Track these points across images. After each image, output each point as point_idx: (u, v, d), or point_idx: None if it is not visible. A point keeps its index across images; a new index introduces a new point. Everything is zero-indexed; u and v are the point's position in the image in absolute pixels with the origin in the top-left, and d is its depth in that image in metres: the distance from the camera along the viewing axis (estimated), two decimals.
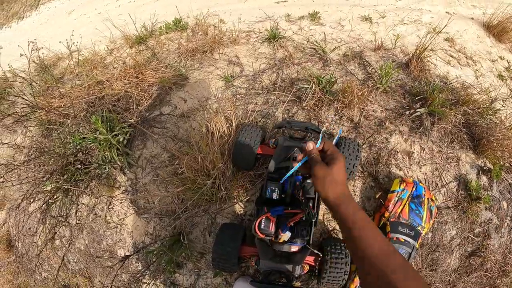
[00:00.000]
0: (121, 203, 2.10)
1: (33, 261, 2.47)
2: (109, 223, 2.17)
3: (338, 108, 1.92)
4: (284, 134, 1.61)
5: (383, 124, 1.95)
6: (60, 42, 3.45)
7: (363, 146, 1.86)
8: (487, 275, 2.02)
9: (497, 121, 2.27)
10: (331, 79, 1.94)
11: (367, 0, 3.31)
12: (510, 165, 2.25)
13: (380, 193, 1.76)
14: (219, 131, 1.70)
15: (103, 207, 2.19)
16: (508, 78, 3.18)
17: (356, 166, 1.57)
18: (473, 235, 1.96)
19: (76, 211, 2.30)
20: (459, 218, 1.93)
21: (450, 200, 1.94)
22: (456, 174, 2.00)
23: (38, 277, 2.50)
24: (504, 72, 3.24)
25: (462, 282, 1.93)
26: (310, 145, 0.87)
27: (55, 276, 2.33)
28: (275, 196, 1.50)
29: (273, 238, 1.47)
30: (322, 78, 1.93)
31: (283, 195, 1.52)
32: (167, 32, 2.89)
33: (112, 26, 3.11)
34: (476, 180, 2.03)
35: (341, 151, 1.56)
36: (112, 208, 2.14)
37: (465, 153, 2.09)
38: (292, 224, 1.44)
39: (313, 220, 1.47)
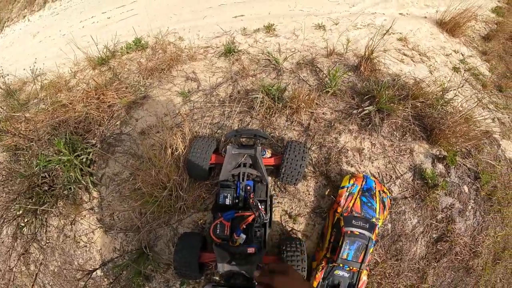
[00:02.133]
0: (88, 221, 2.13)
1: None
2: (78, 242, 2.20)
3: (288, 114, 2.04)
4: (232, 143, 1.70)
5: (332, 125, 2.07)
6: (24, 69, 3.48)
7: (312, 148, 1.97)
8: (458, 258, 2.14)
9: (450, 110, 2.42)
10: (280, 88, 2.06)
11: (321, 8, 3.47)
12: (467, 149, 2.39)
13: (328, 190, 1.87)
14: (173, 146, 1.78)
15: (71, 227, 2.22)
16: (463, 69, 3.39)
17: (303, 167, 1.68)
18: (436, 222, 2.08)
19: (46, 231, 2.32)
20: (418, 207, 2.05)
21: (406, 190, 2.07)
22: (411, 165, 2.13)
23: None
24: (459, 64, 3.46)
25: (433, 268, 2.04)
26: (256, 274, 0.84)
27: None
28: (228, 201, 1.60)
29: (230, 243, 1.56)
30: (272, 87, 2.05)
31: (236, 200, 1.62)
32: (128, 52, 2.97)
33: (76, 48, 3.16)
34: (431, 168, 2.16)
35: (287, 154, 1.67)
36: (80, 226, 2.17)
37: (418, 144, 2.22)
38: (245, 227, 1.54)
39: (266, 222, 1.57)
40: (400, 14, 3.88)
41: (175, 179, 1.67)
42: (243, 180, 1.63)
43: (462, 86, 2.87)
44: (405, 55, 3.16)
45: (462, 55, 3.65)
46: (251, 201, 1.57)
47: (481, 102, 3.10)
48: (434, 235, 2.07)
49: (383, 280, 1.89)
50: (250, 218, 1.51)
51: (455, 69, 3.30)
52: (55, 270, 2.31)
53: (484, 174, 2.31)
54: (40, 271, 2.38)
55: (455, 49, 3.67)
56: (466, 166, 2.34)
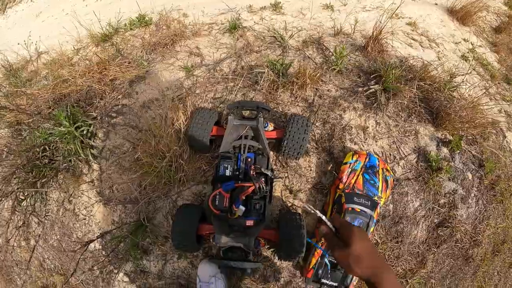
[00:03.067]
0: (87, 194, 2.12)
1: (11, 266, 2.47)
2: (78, 215, 2.19)
3: (292, 89, 1.99)
4: (234, 114, 1.67)
5: (337, 102, 2.03)
6: (23, 42, 3.45)
7: (316, 124, 1.93)
8: (458, 245, 2.11)
9: (457, 97, 2.38)
10: (284, 64, 2.01)
11: None
12: (474, 136, 2.35)
13: (331, 165, 1.83)
14: (174, 118, 1.75)
15: (71, 200, 2.21)
16: (471, 58, 3.32)
17: (305, 141, 1.64)
18: (438, 206, 2.04)
19: (45, 205, 2.31)
20: (421, 189, 2.01)
21: (410, 171, 2.03)
22: (415, 146, 2.10)
23: (18, 282, 2.49)
24: (467, 53, 3.39)
25: (432, 253, 2.00)
26: (323, 229, 0.83)
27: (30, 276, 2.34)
28: (228, 172, 1.57)
29: (229, 214, 1.53)
30: (276, 61, 2.00)
31: (236, 172, 1.59)
32: (131, 29, 2.92)
33: (78, 25, 3.12)
34: (436, 151, 2.12)
35: (290, 127, 1.63)
36: (80, 199, 2.16)
37: (423, 126, 2.18)
38: (244, 198, 1.51)
39: (266, 195, 1.54)
40: None
41: (175, 150, 1.64)
42: (244, 152, 1.60)
43: (470, 73, 2.82)
44: (413, 39, 3.09)
45: (472, 44, 3.57)
46: (251, 172, 1.54)
47: (488, 92, 3.06)
48: (435, 220, 2.04)
49: None
50: (250, 190, 1.48)
51: (464, 57, 3.24)
52: (54, 244, 2.31)
53: (489, 163, 2.27)
54: (39, 244, 2.38)
55: (464, 37, 3.60)
56: (471, 152, 2.30)
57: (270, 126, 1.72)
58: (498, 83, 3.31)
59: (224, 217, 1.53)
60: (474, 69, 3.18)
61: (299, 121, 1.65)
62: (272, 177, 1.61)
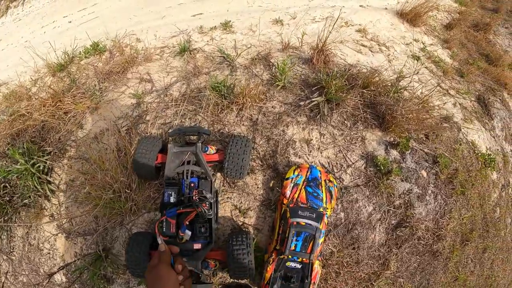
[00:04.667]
0: (49, 228, 2.16)
1: None
2: (42, 250, 2.22)
3: (236, 109, 2.08)
4: (176, 141, 1.74)
5: (280, 118, 2.13)
6: None
7: (260, 142, 2.02)
8: (421, 243, 2.20)
9: (406, 97, 2.48)
10: (227, 84, 2.10)
11: (280, 3, 3.50)
12: (425, 135, 2.46)
13: (273, 182, 1.93)
14: (121, 148, 1.82)
15: (34, 235, 2.24)
16: (423, 57, 3.47)
17: (245, 161, 1.73)
18: (394, 208, 2.12)
19: (10, 242, 2.34)
20: (372, 194, 2.08)
21: (358, 178, 2.11)
22: (363, 153, 2.18)
23: None
24: (419, 52, 3.54)
25: (395, 254, 2.08)
26: None
27: None
28: (172, 199, 1.64)
29: (177, 240, 1.60)
30: (219, 84, 2.09)
31: (181, 198, 1.66)
32: (86, 57, 2.96)
33: (35, 55, 3.14)
34: (384, 155, 2.21)
35: (230, 149, 1.72)
36: (43, 234, 2.19)
37: (370, 132, 2.27)
38: (188, 223, 1.58)
39: (210, 218, 1.62)
40: (360, 6, 3.93)
41: (122, 181, 1.71)
42: (187, 177, 1.67)
43: (417, 73, 2.95)
44: (363, 45, 3.21)
45: (423, 43, 3.72)
46: (194, 197, 1.61)
47: (441, 88, 3.20)
48: (393, 221, 2.10)
49: (341, 269, 1.94)
50: (193, 214, 1.56)
51: (415, 57, 3.37)
52: (24, 279, 2.34)
53: (443, 158, 2.35)
54: (10, 282, 2.40)
55: (415, 38, 3.75)
56: (423, 151, 2.39)
57: (211, 149, 1.80)
58: (452, 77, 3.46)
59: (173, 242, 1.60)
60: (426, 67, 3.34)
61: (239, 142, 1.74)
62: (214, 200, 1.68)
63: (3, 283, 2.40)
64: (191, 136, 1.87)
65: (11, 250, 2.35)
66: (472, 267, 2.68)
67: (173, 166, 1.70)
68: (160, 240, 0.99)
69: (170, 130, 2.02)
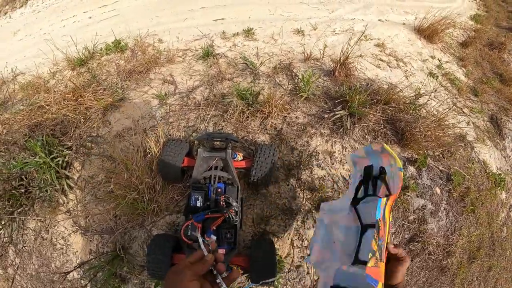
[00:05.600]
0: (64, 224, 2.15)
1: None
2: (55, 245, 2.21)
3: (261, 118, 2.10)
4: (204, 146, 1.75)
5: (304, 129, 2.14)
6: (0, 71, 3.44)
7: (284, 151, 2.03)
8: (431, 258, 2.22)
9: (424, 115, 2.51)
10: (253, 92, 2.12)
11: (301, 14, 3.55)
12: (441, 154, 2.49)
13: None
14: (147, 149, 1.82)
15: (48, 230, 2.23)
16: (439, 74, 3.51)
17: (272, 170, 1.74)
18: (408, 222, 2.15)
19: (23, 234, 2.32)
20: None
21: None
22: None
23: None
24: (435, 69, 3.58)
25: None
26: (393, 248, 0.98)
27: None
28: (199, 203, 1.64)
29: None
30: (246, 91, 2.10)
31: (207, 203, 1.66)
32: (107, 54, 2.97)
33: (55, 47, 3.15)
34: (402, 171, 2.24)
35: (258, 157, 1.73)
36: (57, 229, 2.18)
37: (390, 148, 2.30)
38: (215, 228, 1.58)
39: (236, 223, 1.62)
40: (379, 20, 3.98)
41: (147, 182, 1.71)
42: (214, 182, 1.68)
43: (435, 91, 2.99)
44: (381, 60, 3.25)
45: (439, 60, 3.77)
46: (221, 203, 1.62)
47: (456, 106, 3.24)
48: (406, 236, 2.14)
49: None
50: (220, 220, 1.56)
51: (431, 74, 3.41)
52: (33, 273, 2.32)
53: (456, 176, 2.39)
54: (18, 274, 2.38)
55: (432, 55, 3.79)
56: (438, 168, 2.43)
57: (239, 156, 1.81)
58: (466, 96, 3.50)
59: (197, 246, 1.60)
60: (441, 85, 3.38)
61: (267, 151, 1.75)
62: (239, 207, 1.69)
63: (13, 278, 2.38)
64: (218, 142, 1.88)
65: (24, 243, 2.33)
66: (476, 285, 2.69)
67: (200, 170, 1.70)
68: (202, 245, 0.91)
69: (198, 134, 2.03)
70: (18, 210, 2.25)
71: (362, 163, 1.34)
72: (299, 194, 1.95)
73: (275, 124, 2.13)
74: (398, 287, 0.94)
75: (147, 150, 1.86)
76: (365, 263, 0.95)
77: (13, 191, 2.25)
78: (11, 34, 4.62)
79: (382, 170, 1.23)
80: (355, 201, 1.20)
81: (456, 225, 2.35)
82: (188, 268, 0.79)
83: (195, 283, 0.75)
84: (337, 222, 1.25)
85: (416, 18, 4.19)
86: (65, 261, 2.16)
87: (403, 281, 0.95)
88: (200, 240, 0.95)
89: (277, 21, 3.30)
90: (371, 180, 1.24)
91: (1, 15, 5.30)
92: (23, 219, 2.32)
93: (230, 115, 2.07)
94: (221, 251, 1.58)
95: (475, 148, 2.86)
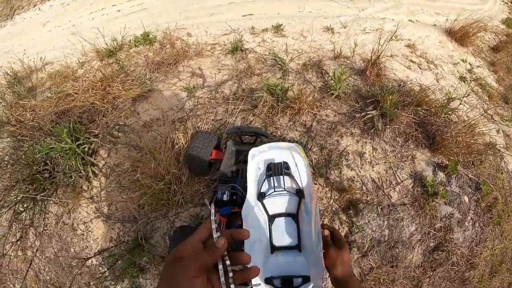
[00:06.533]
0: (87, 210, 2.15)
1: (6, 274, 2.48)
2: (76, 230, 2.21)
3: (290, 114, 2.04)
4: (234, 139, 1.71)
5: (335, 127, 2.07)
6: (30, 58, 3.51)
7: (313, 149, 1.97)
8: (454, 268, 2.11)
9: (455, 120, 2.41)
10: (283, 88, 2.06)
11: (330, 11, 3.48)
12: (471, 161, 2.38)
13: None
14: (175, 140, 1.79)
15: (70, 215, 2.23)
16: (470, 79, 3.38)
17: None
18: (434, 230, 2.06)
19: (44, 218, 2.34)
20: (416, 214, 2.03)
21: (406, 197, 2.05)
22: (412, 171, 2.12)
23: None
24: (466, 73, 3.45)
25: (428, 277, 2.01)
26: (325, 232, 0.99)
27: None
28: (225, 197, 1.59)
29: None
30: (276, 87, 2.05)
31: (234, 197, 1.62)
32: (136, 46, 2.99)
33: (83, 39, 3.19)
34: (432, 176, 2.15)
35: None
36: (79, 214, 2.19)
37: (420, 151, 2.21)
38: (240, 223, 1.53)
39: None
40: (409, 20, 3.87)
41: (174, 173, 1.68)
42: (242, 176, 1.63)
43: (468, 96, 2.87)
44: (412, 61, 3.15)
45: (470, 64, 3.64)
46: None
47: (487, 113, 3.10)
48: (431, 244, 2.05)
49: (377, 286, 1.89)
50: None
51: (462, 79, 3.29)
52: (51, 256, 2.33)
53: (485, 185, 2.28)
54: (36, 256, 2.40)
55: (463, 58, 3.66)
56: (468, 176, 2.32)
57: None
58: (496, 103, 3.36)
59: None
60: (472, 90, 3.24)
61: None
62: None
63: (32, 258, 2.40)
64: (247, 136, 1.83)
65: (44, 227, 2.35)
66: None
67: (229, 164, 1.66)
68: (214, 224, 0.63)
69: (224, 128, 1.99)
70: (41, 194, 2.26)
71: (262, 157, 1.36)
72: (326, 194, 1.87)
73: (305, 121, 2.07)
74: (343, 278, 0.89)
75: (175, 141, 1.83)
76: (283, 248, 1.07)
77: (37, 175, 2.27)
78: (41, 26, 4.75)
79: (286, 165, 1.28)
80: (261, 196, 1.23)
81: (482, 236, 2.24)
82: (191, 259, 0.53)
83: (200, 281, 0.50)
84: (251, 224, 1.26)
85: (447, 20, 4.06)
86: (84, 247, 2.16)
87: (348, 272, 0.90)
88: (212, 210, 0.63)
89: (306, 18, 3.24)
90: (275, 174, 1.26)
91: (31, 7, 5.46)
92: (45, 202, 2.34)
93: (259, 110, 2.02)
94: None
95: (504, 158, 2.72)
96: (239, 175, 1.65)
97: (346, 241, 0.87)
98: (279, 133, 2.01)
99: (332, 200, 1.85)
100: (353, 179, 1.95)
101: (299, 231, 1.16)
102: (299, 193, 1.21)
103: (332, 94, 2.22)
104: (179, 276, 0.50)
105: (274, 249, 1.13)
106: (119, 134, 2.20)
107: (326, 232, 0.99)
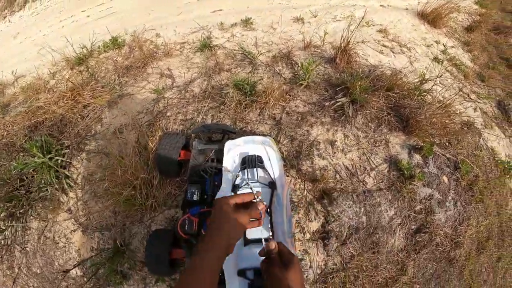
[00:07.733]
0: (66, 222, 2.14)
1: None
2: (58, 243, 2.20)
3: (259, 108, 2.04)
4: (201, 138, 1.70)
5: (304, 118, 2.07)
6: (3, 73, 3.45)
7: (283, 142, 1.97)
8: (438, 249, 2.13)
9: (429, 101, 2.42)
10: (250, 82, 2.05)
11: (300, 1, 3.46)
12: (448, 141, 2.40)
13: None
14: (143, 144, 1.78)
15: (50, 228, 2.22)
16: (444, 59, 3.40)
17: None
18: (414, 213, 2.06)
19: (25, 234, 2.32)
20: (394, 198, 2.03)
21: (381, 182, 2.05)
22: (386, 156, 2.12)
23: None
24: (440, 54, 3.46)
25: (412, 260, 2.03)
26: (272, 245, 0.84)
27: None
28: (195, 197, 1.59)
29: (199, 238, 1.56)
30: (243, 82, 2.04)
31: (205, 196, 1.61)
32: (105, 51, 2.95)
33: (53, 49, 3.14)
34: (408, 159, 2.15)
35: None
36: (59, 227, 2.17)
37: (394, 135, 2.21)
38: None
39: None
40: (381, 5, 3.87)
41: (143, 177, 1.67)
42: (211, 175, 1.63)
43: (441, 76, 2.88)
44: (384, 46, 3.15)
45: (444, 45, 3.65)
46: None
47: (462, 92, 3.12)
48: (413, 227, 2.06)
49: (360, 273, 1.89)
50: None
51: (436, 60, 3.31)
52: (38, 271, 2.32)
53: (464, 164, 2.30)
54: (24, 272, 2.39)
55: (436, 40, 3.68)
56: (445, 156, 2.33)
57: None
58: (472, 81, 3.39)
59: (194, 241, 1.56)
60: (447, 70, 3.26)
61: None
62: None
63: (16, 274, 2.39)
64: (215, 134, 1.83)
65: (26, 243, 2.34)
66: (485, 276, 2.60)
67: (196, 163, 1.66)
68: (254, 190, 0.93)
69: (193, 127, 1.98)
70: (20, 211, 2.25)
71: (238, 150, 1.44)
72: (299, 185, 1.88)
73: (274, 114, 2.07)
74: None
75: (144, 145, 1.82)
76: (256, 241, 1.14)
77: (15, 192, 2.25)
78: (11, 38, 4.66)
79: (260, 159, 1.36)
80: (235, 188, 1.32)
81: (465, 215, 2.26)
82: (239, 212, 0.82)
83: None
84: None
85: (419, 2, 4.07)
86: (68, 259, 2.15)
87: None
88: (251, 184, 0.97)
89: (276, 9, 3.22)
90: (249, 166, 1.36)
91: (1, 19, 5.35)
92: (26, 219, 2.32)
93: (227, 107, 2.01)
94: None
95: (483, 135, 2.75)
96: (208, 175, 1.65)
97: (297, 255, 0.80)
98: (249, 127, 2.00)
99: (305, 191, 1.86)
100: (326, 168, 1.95)
101: (271, 222, 1.22)
102: (271, 184, 1.29)
103: (301, 84, 2.22)
104: (238, 216, 0.80)
105: (247, 242, 1.19)
106: (91, 143, 2.18)
107: (273, 245, 0.83)
